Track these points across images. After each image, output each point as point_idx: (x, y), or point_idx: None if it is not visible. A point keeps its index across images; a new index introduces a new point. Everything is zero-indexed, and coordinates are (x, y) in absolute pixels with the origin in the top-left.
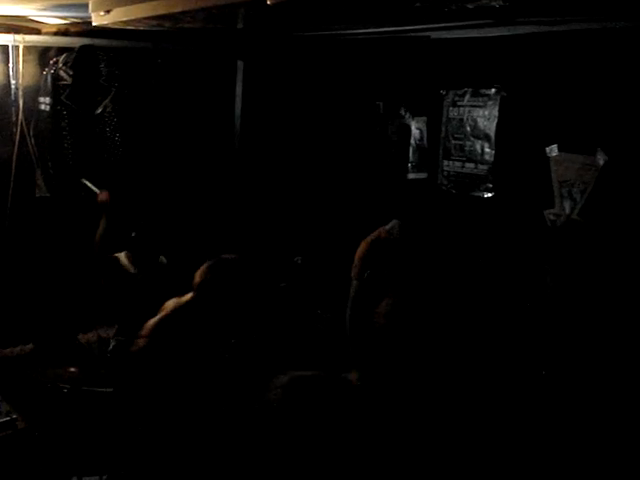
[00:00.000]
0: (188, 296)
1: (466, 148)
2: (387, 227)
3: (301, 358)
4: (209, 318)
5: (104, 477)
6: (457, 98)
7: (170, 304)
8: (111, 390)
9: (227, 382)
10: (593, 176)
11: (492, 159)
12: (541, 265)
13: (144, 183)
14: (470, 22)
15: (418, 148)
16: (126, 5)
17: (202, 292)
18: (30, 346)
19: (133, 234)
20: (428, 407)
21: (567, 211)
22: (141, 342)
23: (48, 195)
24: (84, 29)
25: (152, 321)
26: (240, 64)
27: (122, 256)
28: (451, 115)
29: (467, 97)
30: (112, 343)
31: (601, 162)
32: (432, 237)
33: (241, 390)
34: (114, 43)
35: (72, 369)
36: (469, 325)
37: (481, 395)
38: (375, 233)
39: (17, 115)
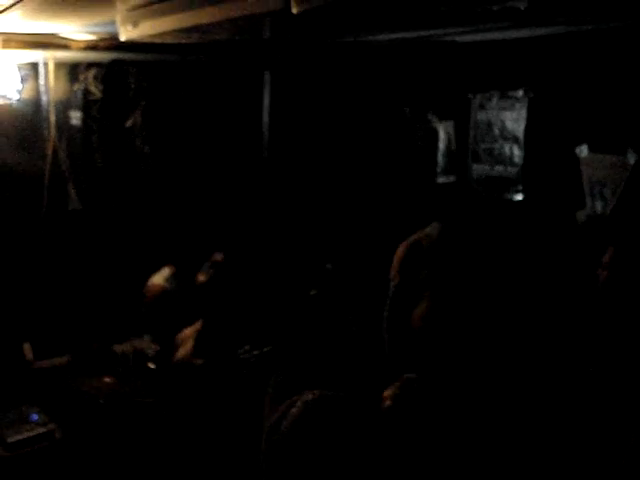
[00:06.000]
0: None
1: (495, 151)
2: (427, 230)
3: (333, 368)
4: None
5: None
6: (485, 101)
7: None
8: (149, 400)
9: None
10: (624, 176)
11: (521, 161)
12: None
13: (174, 193)
14: (495, 24)
15: (446, 152)
16: (153, 19)
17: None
18: (66, 358)
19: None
20: (471, 414)
21: (599, 211)
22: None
23: (81, 208)
24: (112, 44)
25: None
26: (267, 75)
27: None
28: (479, 118)
29: (495, 100)
30: (149, 353)
31: (632, 161)
32: (464, 240)
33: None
34: (142, 57)
35: (108, 379)
36: (502, 329)
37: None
38: (415, 235)
39: (49, 130)
